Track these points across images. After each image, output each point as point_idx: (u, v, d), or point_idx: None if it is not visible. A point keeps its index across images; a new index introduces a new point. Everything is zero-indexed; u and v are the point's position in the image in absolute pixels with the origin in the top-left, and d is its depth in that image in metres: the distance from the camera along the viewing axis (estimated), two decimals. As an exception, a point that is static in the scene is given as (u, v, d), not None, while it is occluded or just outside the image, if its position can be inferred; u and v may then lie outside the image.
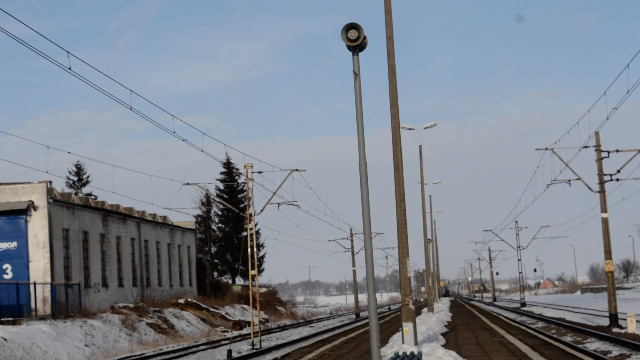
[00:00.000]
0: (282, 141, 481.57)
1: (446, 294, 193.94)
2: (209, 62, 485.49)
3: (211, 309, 63.79)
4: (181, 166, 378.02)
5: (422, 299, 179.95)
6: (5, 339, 35.02)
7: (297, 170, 44.57)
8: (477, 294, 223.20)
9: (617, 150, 42.37)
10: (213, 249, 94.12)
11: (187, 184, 45.99)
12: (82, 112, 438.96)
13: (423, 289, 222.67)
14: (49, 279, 47.57)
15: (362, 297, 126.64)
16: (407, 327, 22.34)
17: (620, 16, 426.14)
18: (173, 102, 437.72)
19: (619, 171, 42.47)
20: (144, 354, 39.81)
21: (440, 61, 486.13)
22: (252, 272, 41.48)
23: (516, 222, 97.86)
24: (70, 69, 22.61)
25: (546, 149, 44.42)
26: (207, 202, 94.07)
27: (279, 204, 46.56)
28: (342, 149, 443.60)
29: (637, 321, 38.65)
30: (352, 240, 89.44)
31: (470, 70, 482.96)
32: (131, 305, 53.68)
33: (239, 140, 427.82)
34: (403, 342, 22.59)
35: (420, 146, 51.87)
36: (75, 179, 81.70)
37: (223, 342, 46.47)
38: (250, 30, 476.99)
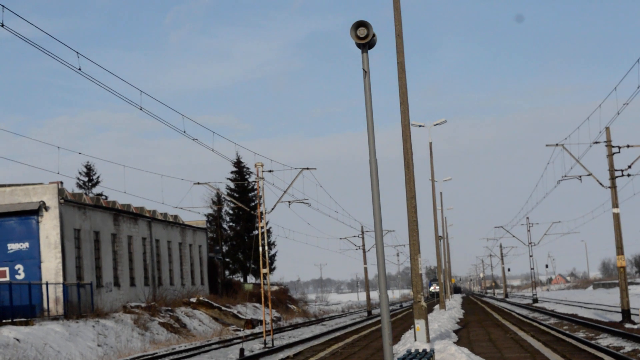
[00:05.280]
0: (300, 139, 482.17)
1: (457, 290, 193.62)
2: (222, 60, 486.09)
3: (223, 308, 63.85)
4: (193, 165, 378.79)
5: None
6: (18, 340, 35.13)
7: (307, 168, 44.58)
8: (488, 291, 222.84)
9: (628, 146, 42.20)
10: (224, 248, 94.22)
11: (198, 183, 46.03)
12: (100, 112, 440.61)
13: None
14: (61, 279, 47.68)
15: (374, 295, 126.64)
16: (419, 324, 22.29)
17: (632, 11, 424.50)
18: (188, 101, 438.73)
19: (630, 166, 42.32)
20: (156, 353, 39.89)
21: (451, 58, 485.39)
22: (263, 271, 41.49)
23: (527, 218, 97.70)
24: (80, 69, 22.62)
25: (557, 145, 44.30)
26: (218, 201, 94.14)
27: (289, 202, 46.58)
28: (359, 146, 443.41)
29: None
30: (363, 238, 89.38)
31: (481, 67, 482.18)
32: (143, 305, 53.77)
33: (255, 139, 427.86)
34: (415, 340, 22.55)
35: (431, 143, 51.79)
36: (86, 179, 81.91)
37: (235, 341, 46.52)
38: (262, 27, 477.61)
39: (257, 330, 58.46)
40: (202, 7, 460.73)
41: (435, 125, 51.70)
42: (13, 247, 48.14)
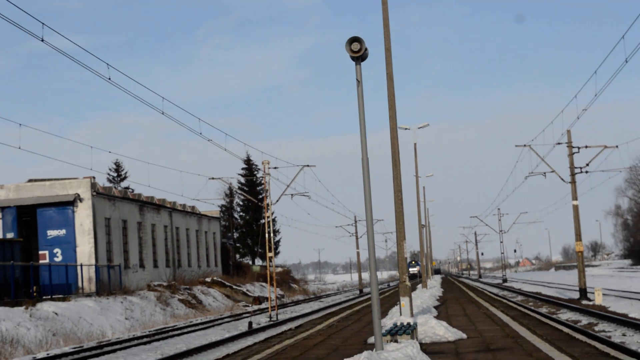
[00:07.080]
0: (302, 139, 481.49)
1: (437, 272, 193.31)
2: (237, 71, 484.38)
3: (234, 287, 63.88)
4: (209, 162, 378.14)
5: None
6: (56, 313, 35.17)
7: (307, 165, 44.59)
8: (464, 272, 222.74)
9: (586, 147, 42.26)
10: (235, 235, 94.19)
11: (213, 178, 46.03)
12: (129, 116, 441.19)
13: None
14: (93, 261, 47.70)
15: (365, 275, 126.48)
16: (404, 301, 22.32)
17: (589, 29, 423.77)
18: (207, 107, 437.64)
19: (587, 164, 42.37)
20: (176, 325, 39.94)
21: (435, 70, 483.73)
22: (269, 255, 41.52)
23: (499, 209, 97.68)
24: (110, 79, 22.60)
25: (524, 145, 44.32)
26: (230, 194, 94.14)
27: (292, 195, 46.60)
28: (354, 146, 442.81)
29: (603, 294, 38.57)
30: (356, 226, 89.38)
31: (460, 77, 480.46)
32: (165, 284, 53.78)
33: (264, 139, 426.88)
34: (401, 314, 22.58)
35: (415, 144, 51.70)
36: (115, 174, 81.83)
37: (244, 315, 46.56)
38: (270, 42, 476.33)
39: (263, 306, 58.50)
40: (228, 24, 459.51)
41: (419, 128, 51.60)
42: (52, 233, 48.16)
